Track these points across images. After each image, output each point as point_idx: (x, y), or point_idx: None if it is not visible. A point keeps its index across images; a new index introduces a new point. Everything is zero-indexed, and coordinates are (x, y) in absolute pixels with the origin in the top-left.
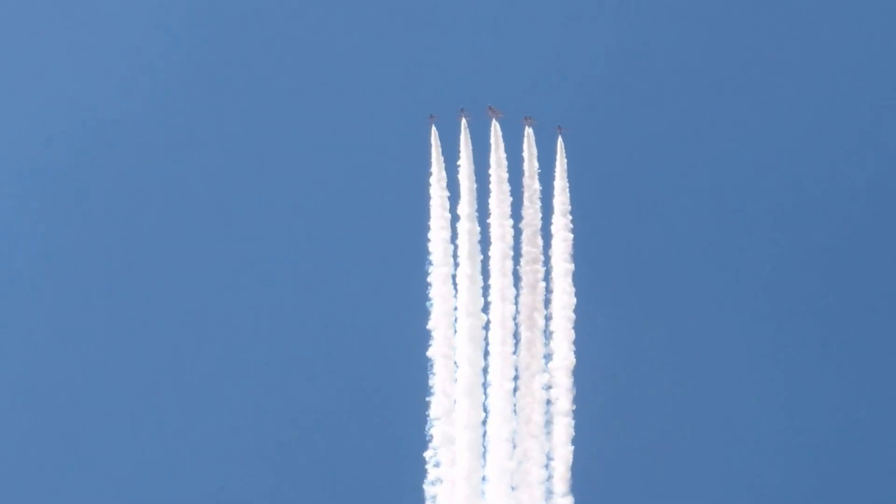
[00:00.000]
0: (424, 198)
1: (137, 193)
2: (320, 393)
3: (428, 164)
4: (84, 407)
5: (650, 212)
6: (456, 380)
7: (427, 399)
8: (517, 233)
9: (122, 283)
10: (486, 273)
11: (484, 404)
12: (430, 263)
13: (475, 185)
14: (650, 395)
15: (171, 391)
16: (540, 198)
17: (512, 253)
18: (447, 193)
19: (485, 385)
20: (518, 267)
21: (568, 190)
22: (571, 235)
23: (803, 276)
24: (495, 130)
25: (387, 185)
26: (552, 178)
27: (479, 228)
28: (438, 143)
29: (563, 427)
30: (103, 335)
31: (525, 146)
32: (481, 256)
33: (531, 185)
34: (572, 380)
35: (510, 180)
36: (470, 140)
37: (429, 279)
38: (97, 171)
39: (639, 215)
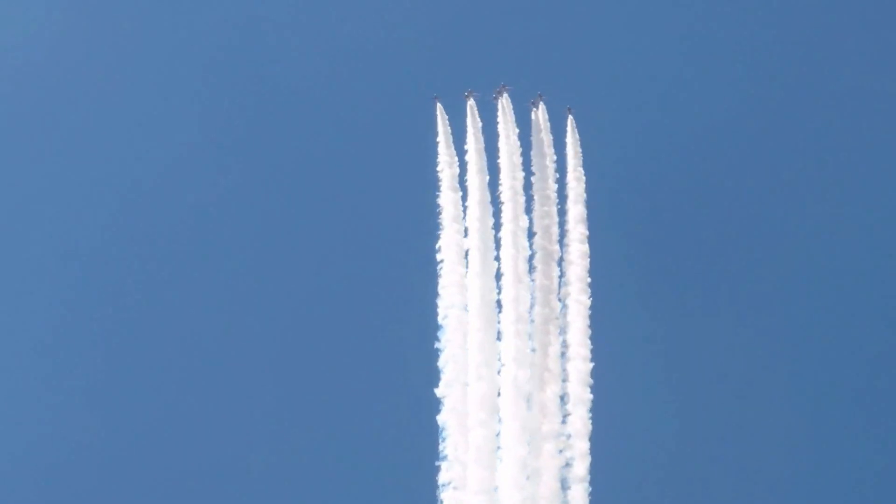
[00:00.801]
0: (432, 210)
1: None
2: (328, 456)
3: (434, 151)
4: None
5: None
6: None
7: (437, 464)
8: (531, 268)
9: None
10: (498, 334)
11: (497, 469)
12: (441, 327)
13: (487, 189)
14: (670, 461)
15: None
16: (555, 181)
17: (528, 316)
18: (460, 209)
19: (498, 449)
20: (532, 326)
21: (583, 178)
22: (589, 300)
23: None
24: (504, 106)
25: (388, 197)
26: (564, 161)
27: (494, 285)
28: (446, 123)
29: (580, 493)
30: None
31: (534, 123)
32: (497, 320)
33: (544, 183)
34: (589, 444)
35: (522, 161)
36: (479, 122)
37: (439, 345)
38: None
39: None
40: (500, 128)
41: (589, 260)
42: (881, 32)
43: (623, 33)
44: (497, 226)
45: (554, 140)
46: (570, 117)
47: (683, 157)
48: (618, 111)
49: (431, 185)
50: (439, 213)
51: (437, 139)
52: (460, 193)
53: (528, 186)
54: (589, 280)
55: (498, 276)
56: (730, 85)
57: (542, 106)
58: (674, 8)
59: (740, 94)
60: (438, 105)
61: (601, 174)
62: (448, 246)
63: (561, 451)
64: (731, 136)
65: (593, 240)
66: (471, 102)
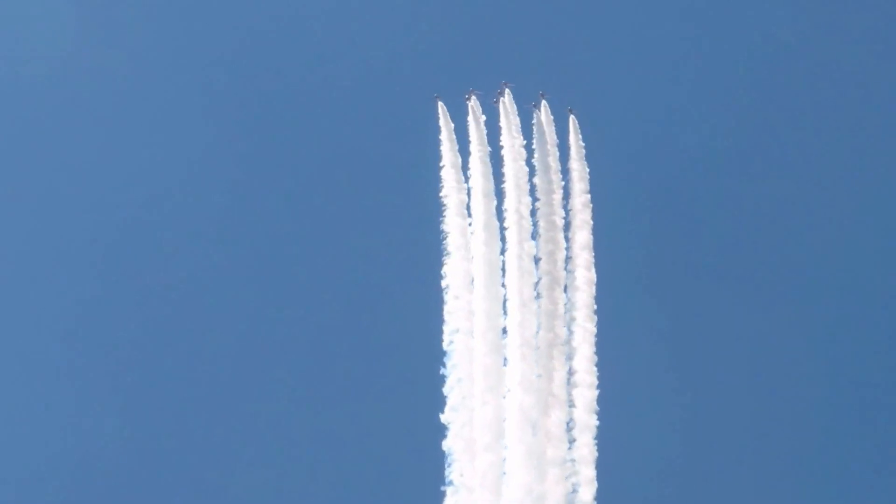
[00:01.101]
0: (437, 233)
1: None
2: (333, 480)
3: (437, 159)
4: None
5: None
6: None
7: (443, 489)
8: (537, 293)
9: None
10: (504, 360)
11: (502, 495)
12: (447, 353)
13: (493, 214)
14: (677, 487)
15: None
16: (562, 206)
17: (534, 342)
18: (466, 234)
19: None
20: (537, 352)
21: (590, 204)
22: (595, 327)
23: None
24: (507, 109)
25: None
26: (569, 181)
27: (500, 310)
28: (451, 131)
29: None
30: None
31: (537, 130)
32: (503, 345)
33: (549, 207)
34: (595, 471)
35: (526, 159)
36: (486, 145)
37: (445, 370)
38: None
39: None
40: (505, 145)
41: (595, 286)
42: (883, 35)
43: (622, 33)
44: (503, 251)
45: (558, 146)
46: (573, 118)
47: (685, 158)
48: (619, 111)
49: (436, 206)
50: (444, 239)
51: (441, 163)
52: (468, 220)
53: (533, 211)
54: (595, 306)
55: (504, 301)
56: (734, 85)
57: (544, 106)
58: (676, 7)
59: (744, 93)
60: (440, 105)
61: (602, 176)
62: (454, 271)
63: (567, 478)
64: (736, 136)
65: (597, 248)
66: (472, 104)
